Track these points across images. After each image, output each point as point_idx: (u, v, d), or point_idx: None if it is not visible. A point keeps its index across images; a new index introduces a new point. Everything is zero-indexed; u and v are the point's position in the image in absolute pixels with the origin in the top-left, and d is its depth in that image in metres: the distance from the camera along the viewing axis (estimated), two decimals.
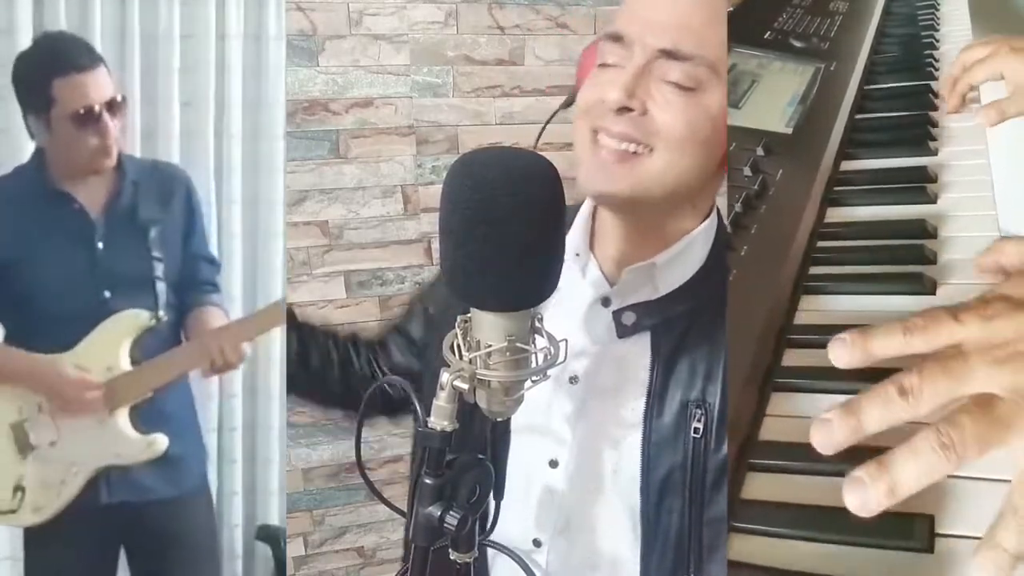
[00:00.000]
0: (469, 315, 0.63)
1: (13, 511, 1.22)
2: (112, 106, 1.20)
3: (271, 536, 1.70)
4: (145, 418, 1.24)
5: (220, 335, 1.23)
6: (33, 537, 1.28)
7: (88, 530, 1.25)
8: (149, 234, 1.24)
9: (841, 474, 0.63)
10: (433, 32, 1.31)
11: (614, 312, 0.80)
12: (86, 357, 1.21)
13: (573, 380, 0.81)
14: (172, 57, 1.55)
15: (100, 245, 1.24)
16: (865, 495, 0.54)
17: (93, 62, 1.19)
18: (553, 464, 0.82)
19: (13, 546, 1.49)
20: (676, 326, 0.80)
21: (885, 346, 0.61)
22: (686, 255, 0.81)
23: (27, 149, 1.42)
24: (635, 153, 0.76)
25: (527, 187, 0.58)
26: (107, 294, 1.23)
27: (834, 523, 0.59)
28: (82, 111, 1.17)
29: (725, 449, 0.75)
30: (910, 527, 0.57)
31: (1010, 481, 0.57)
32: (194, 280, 1.31)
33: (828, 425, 0.58)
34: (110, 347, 1.22)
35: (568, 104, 0.89)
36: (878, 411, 0.57)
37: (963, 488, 0.60)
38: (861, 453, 0.59)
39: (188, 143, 1.59)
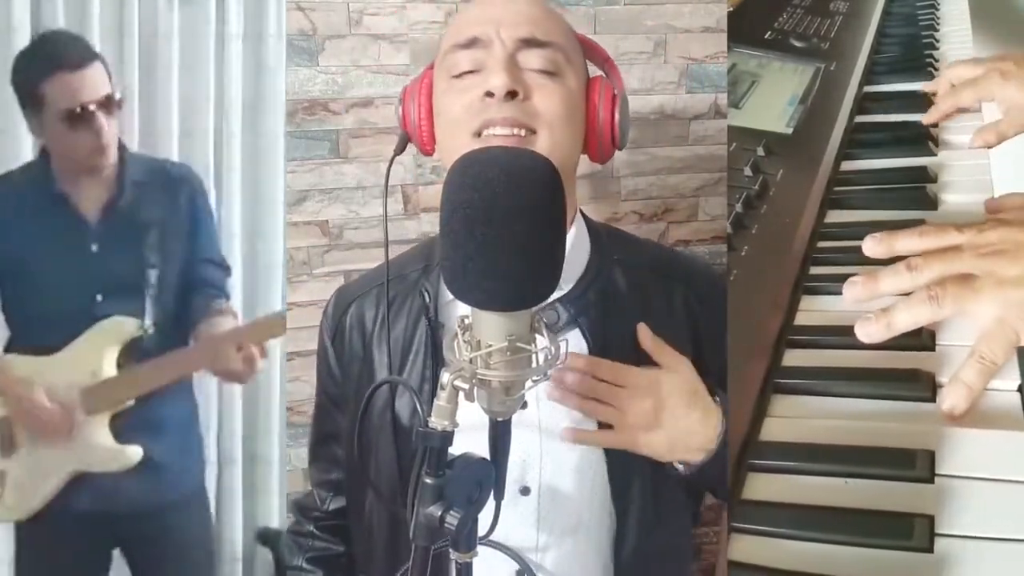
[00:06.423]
0: (469, 314, 0.63)
1: None
2: (108, 104, 1.18)
3: (271, 539, 1.69)
4: (134, 425, 1.22)
5: (211, 345, 1.20)
6: (22, 541, 1.28)
7: (75, 536, 1.24)
8: (147, 238, 1.23)
9: (841, 475, 0.63)
10: (433, 32, 1.30)
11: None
12: (71, 362, 1.20)
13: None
14: (171, 56, 1.55)
15: (94, 247, 1.22)
16: (869, 326, 0.73)
17: (85, 60, 1.17)
18: (525, 491, 0.84)
19: (11, 551, 1.49)
20: (592, 313, 0.86)
21: (905, 244, 0.79)
22: (572, 249, 0.87)
23: (27, 149, 1.42)
24: (523, 137, 0.80)
25: (527, 187, 0.58)
26: (99, 298, 1.21)
27: (834, 523, 0.60)
28: (77, 110, 1.15)
29: None
30: (910, 527, 0.57)
31: (1006, 480, 0.60)
32: (197, 284, 1.29)
33: (855, 285, 0.76)
34: (95, 353, 1.21)
35: (401, 150, 0.90)
36: (890, 278, 0.75)
37: (962, 488, 0.60)
38: (857, 462, 0.61)
39: (187, 142, 1.58)
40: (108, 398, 1.21)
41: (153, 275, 1.22)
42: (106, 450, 1.21)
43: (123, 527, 1.27)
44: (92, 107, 1.16)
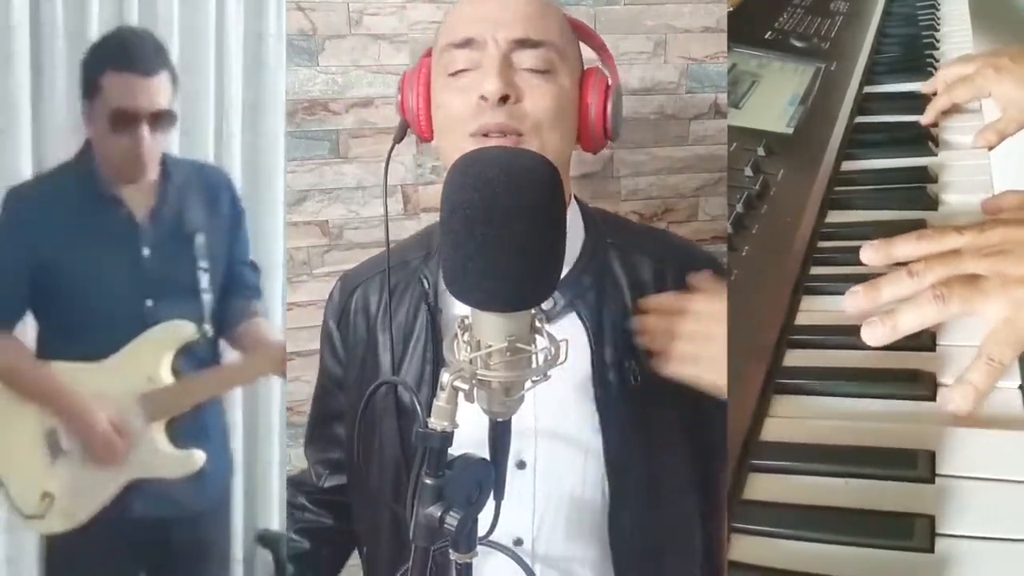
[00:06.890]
0: (468, 314, 0.63)
1: (40, 516, 1.18)
2: (158, 118, 1.15)
3: (271, 540, 1.69)
4: (184, 431, 1.20)
5: (274, 351, 1.20)
6: (58, 546, 1.24)
7: (116, 541, 1.21)
8: (195, 242, 1.21)
9: (841, 475, 0.63)
10: (433, 32, 1.30)
11: None
12: (124, 368, 1.18)
13: None
14: (171, 55, 1.55)
15: (146, 252, 1.19)
16: (875, 330, 0.72)
17: (156, 68, 1.14)
18: (521, 465, 0.84)
19: (10, 551, 1.49)
20: (589, 297, 0.87)
21: (904, 250, 0.78)
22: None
23: (27, 149, 1.42)
24: (514, 139, 0.81)
25: (527, 187, 0.58)
26: (150, 303, 1.19)
27: (834, 523, 0.60)
28: (126, 111, 1.13)
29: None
30: (910, 527, 0.57)
31: (1007, 480, 0.60)
32: (238, 286, 1.27)
33: (856, 295, 0.75)
34: (152, 357, 1.18)
35: (401, 137, 0.92)
36: (892, 286, 0.74)
37: (963, 488, 0.60)
38: (858, 462, 0.61)
39: (187, 142, 1.58)
40: (171, 405, 1.19)
41: (206, 279, 1.21)
42: (168, 456, 1.19)
43: (156, 533, 1.25)
44: (140, 116, 1.13)
